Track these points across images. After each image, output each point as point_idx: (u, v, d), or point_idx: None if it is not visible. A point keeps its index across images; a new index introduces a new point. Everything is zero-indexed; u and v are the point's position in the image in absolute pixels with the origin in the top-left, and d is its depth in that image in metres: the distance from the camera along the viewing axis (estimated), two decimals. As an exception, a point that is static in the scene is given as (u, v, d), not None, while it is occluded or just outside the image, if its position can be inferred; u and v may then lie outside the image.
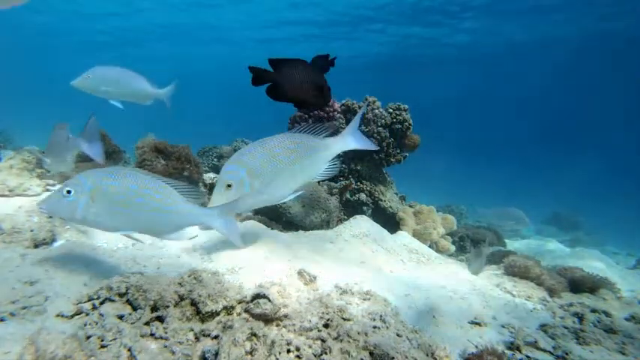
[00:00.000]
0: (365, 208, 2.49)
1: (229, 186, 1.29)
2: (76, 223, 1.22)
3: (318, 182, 2.22)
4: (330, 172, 1.53)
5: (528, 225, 2.62)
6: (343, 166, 2.50)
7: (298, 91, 1.43)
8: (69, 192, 1.03)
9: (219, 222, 1.17)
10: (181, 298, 0.89)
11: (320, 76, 1.45)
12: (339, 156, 1.57)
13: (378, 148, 1.67)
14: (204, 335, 0.82)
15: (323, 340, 0.79)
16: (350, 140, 1.57)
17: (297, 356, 0.76)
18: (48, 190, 1.73)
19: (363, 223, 2.03)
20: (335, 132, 1.82)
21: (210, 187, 2.33)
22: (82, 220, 1.06)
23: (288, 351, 0.76)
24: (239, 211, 1.39)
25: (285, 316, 0.85)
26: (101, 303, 0.89)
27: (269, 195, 1.37)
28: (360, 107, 2.53)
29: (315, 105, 1.54)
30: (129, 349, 0.75)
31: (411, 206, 2.62)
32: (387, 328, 0.92)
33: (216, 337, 0.81)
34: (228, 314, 0.88)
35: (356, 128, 1.57)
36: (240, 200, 1.28)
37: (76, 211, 1.04)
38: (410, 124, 2.58)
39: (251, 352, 0.76)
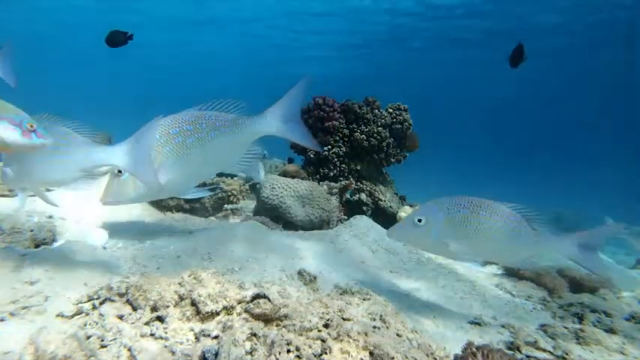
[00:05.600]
0: (365, 208, 2.49)
1: (119, 172, 1.12)
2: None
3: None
4: (248, 164, 1.26)
5: None
6: (343, 166, 2.50)
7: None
8: None
9: (125, 160, 1.01)
10: (181, 298, 0.89)
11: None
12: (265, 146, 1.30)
13: (320, 149, 1.37)
14: (204, 335, 0.82)
15: (323, 340, 0.79)
16: (277, 124, 1.21)
17: (297, 356, 0.76)
18: (48, 190, 1.72)
19: (362, 223, 2.03)
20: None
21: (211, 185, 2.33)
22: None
23: (288, 351, 0.76)
24: (132, 201, 1.20)
25: (285, 316, 0.85)
26: (101, 303, 0.89)
27: (166, 186, 1.16)
28: (360, 107, 2.53)
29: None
30: (129, 349, 0.75)
31: (411, 206, 2.61)
32: (387, 328, 0.92)
33: (216, 337, 0.81)
34: (228, 314, 0.88)
35: (293, 110, 1.22)
36: (133, 189, 1.13)
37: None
38: (410, 124, 2.58)
39: (251, 352, 0.76)
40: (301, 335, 0.80)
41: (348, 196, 2.46)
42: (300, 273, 1.32)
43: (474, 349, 0.85)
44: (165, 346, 0.77)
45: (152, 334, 0.80)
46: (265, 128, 1.21)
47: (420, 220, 1.18)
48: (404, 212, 2.47)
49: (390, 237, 1.25)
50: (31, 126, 0.89)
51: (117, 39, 2.40)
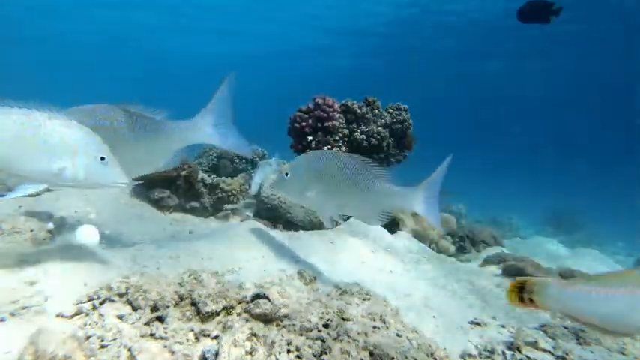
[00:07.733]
0: (365, 208, 2.49)
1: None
2: None
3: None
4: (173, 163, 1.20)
5: None
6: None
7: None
8: None
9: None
10: (181, 298, 0.89)
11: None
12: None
13: (250, 156, 1.20)
14: (204, 335, 0.82)
15: (323, 340, 0.79)
16: (206, 131, 1.14)
17: (297, 356, 0.76)
18: (49, 190, 1.73)
19: (362, 224, 2.03)
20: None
21: (210, 187, 2.33)
22: None
23: (288, 351, 0.76)
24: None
25: (285, 316, 0.85)
26: (101, 303, 0.89)
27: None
28: (360, 107, 2.53)
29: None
30: (129, 349, 0.75)
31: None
32: (387, 328, 0.92)
33: (216, 337, 0.81)
34: (228, 314, 0.88)
35: (224, 112, 1.14)
36: None
37: None
38: (410, 124, 2.58)
39: (251, 352, 0.76)
40: (301, 335, 0.80)
41: (348, 196, 2.46)
42: (300, 273, 1.32)
43: None
44: (165, 346, 0.77)
45: (152, 334, 0.80)
46: (194, 136, 1.14)
47: (287, 174, 1.30)
48: (403, 212, 2.47)
49: (271, 189, 1.40)
50: None
51: None
